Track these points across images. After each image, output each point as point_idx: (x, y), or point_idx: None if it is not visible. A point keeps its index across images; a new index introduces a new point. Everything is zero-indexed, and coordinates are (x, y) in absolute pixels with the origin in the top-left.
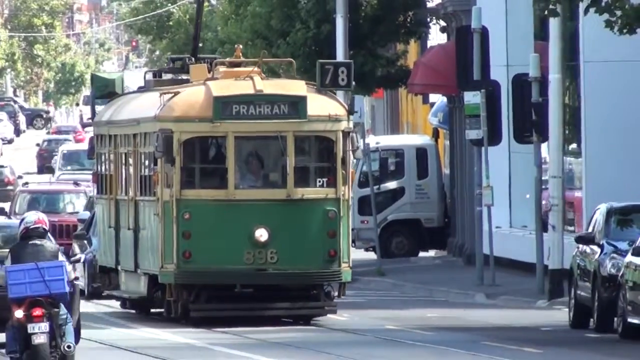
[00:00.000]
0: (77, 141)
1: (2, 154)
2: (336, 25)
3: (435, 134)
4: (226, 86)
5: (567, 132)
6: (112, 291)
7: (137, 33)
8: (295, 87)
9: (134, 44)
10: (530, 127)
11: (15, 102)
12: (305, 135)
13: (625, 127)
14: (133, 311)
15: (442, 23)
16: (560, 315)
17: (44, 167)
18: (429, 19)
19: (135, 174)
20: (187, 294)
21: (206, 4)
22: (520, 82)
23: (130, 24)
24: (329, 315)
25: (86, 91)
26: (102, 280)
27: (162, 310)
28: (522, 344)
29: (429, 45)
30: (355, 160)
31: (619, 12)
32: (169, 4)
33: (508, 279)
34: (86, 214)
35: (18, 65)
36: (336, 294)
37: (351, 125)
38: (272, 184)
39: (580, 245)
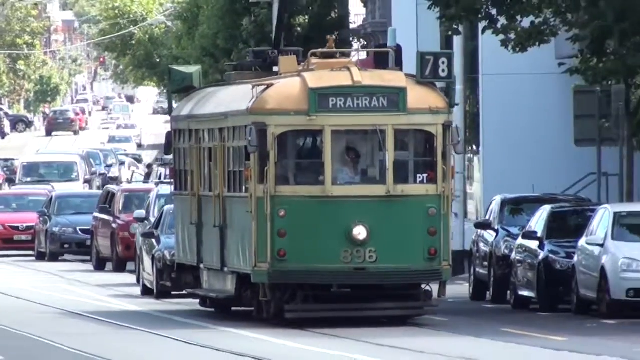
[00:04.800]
0: (76, 114)
1: None
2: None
3: None
4: (322, 77)
5: (467, 134)
6: (195, 290)
7: (104, 50)
8: (395, 78)
9: (101, 59)
10: None
11: (0, 109)
12: (405, 128)
13: (517, 130)
14: (212, 310)
15: (363, 42)
16: (461, 289)
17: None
18: (351, 38)
19: (223, 169)
20: (281, 294)
21: (162, 25)
22: None
23: (99, 42)
24: None
25: (61, 100)
26: (179, 279)
27: (246, 308)
28: None
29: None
30: (455, 156)
31: (512, 33)
32: (131, 26)
33: None
34: (142, 213)
35: (3, 78)
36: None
37: (451, 118)
38: (371, 179)
39: (479, 230)
